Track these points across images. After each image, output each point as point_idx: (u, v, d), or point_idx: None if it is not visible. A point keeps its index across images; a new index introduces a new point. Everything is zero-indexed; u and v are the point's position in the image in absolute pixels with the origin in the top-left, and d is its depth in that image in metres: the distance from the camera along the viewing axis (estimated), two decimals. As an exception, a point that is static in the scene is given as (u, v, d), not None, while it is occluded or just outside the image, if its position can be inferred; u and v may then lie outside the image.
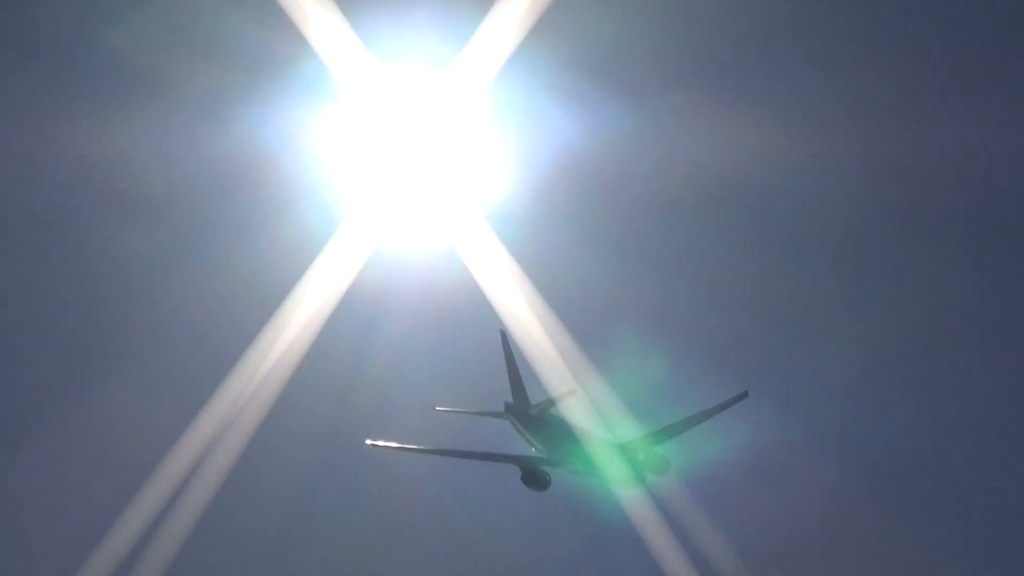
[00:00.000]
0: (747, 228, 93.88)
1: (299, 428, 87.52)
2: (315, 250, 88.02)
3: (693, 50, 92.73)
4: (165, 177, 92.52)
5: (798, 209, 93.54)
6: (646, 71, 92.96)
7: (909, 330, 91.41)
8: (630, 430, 79.55)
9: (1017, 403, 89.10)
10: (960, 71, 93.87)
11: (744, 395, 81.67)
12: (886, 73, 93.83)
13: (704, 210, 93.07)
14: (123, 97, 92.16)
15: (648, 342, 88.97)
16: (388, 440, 76.90)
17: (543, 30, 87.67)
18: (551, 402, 76.55)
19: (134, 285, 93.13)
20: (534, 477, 76.47)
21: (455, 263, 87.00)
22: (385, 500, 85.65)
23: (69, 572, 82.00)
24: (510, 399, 77.52)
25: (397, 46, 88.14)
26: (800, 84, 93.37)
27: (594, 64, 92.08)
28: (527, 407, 76.44)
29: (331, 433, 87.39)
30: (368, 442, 77.47)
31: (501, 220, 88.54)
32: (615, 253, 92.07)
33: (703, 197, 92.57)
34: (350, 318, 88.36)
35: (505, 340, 76.93)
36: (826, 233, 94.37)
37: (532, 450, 78.15)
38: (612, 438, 78.45)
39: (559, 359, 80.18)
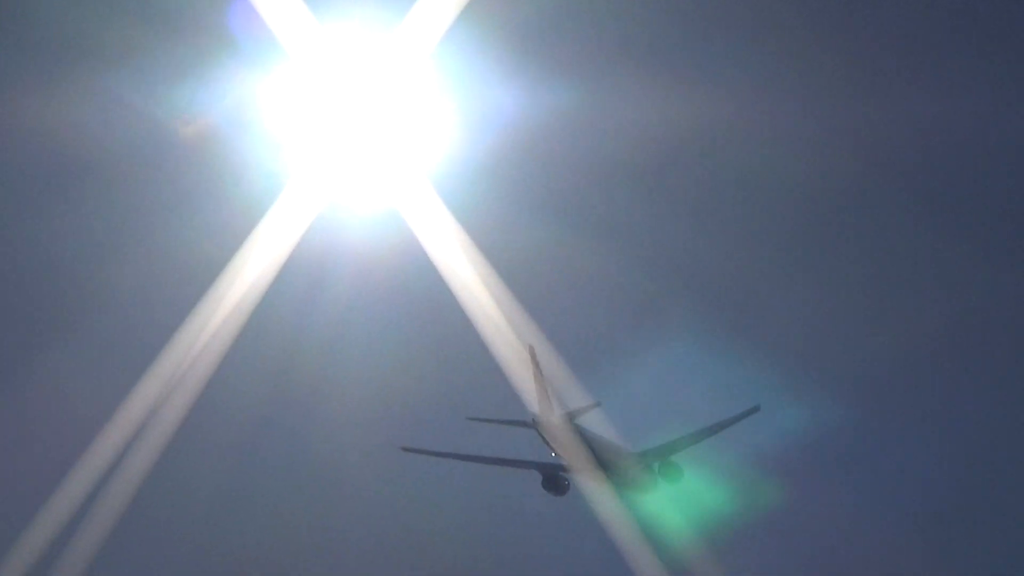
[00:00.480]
0: (688, 195, 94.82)
1: (240, 394, 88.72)
2: (256, 216, 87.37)
3: (643, 18, 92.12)
4: (103, 143, 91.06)
5: (749, 178, 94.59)
6: (596, 37, 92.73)
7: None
8: (646, 441, 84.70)
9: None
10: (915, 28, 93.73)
11: (755, 409, 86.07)
12: (839, 42, 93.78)
13: (650, 180, 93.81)
14: (60, 64, 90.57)
15: (593, 310, 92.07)
16: (421, 446, 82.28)
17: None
18: (575, 413, 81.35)
19: (76, 252, 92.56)
20: (555, 482, 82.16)
21: (400, 228, 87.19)
22: (326, 471, 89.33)
23: (8, 539, 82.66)
24: (536, 410, 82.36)
25: (340, 7, 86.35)
26: (750, 52, 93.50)
27: (542, 29, 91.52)
28: (553, 418, 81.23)
29: (272, 401, 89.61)
30: (402, 448, 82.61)
31: (447, 185, 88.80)
32: (562, 219, 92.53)
33: (651, 166, 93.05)
34: (292, 284, 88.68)
35: (534, 355, 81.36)
36: (779, 200, 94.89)
37: (552, 455, 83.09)
38: (630, 447, 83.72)
39: (503, 320, 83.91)
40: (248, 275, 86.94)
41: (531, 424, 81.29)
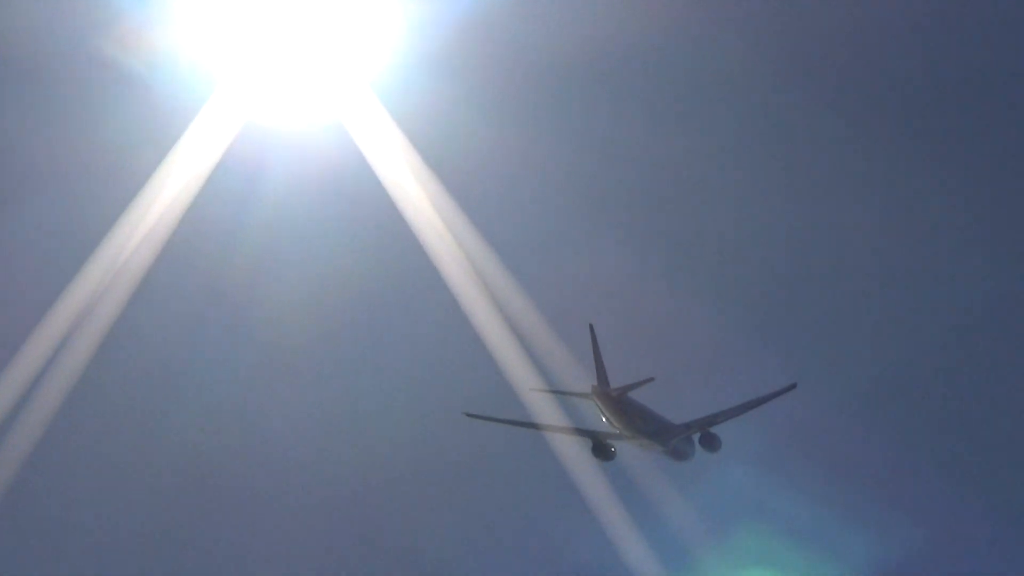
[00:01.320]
0: (644, 96, 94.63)
1: (166, 305, 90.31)
2: (184, 122, 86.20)
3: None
4: (23, 47, 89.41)
5: (720, 79, 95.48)
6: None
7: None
8: (689, 413, 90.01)
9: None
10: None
11: (792, 386, 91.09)
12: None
13: (602, 78, 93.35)
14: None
15: (539, 210, 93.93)
16: (484, 413, 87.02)
17: None
18: (629, 387, 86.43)
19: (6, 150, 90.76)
20: (603, 449, 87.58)
21: (340, 136, 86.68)
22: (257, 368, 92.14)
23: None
24: (595, 382, 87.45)
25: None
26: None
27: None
28: (609, 391, 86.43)
29: (200, 310, 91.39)
30: (465, 414, 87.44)
31: (389, 91, 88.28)
32: (511, 125, 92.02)
33: (601, 65, 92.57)
34: (219, 197, 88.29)
35: (593, 332, 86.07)
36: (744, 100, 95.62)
37: (603, 419, 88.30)
38: (674, 419, 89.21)
39: (447, 233, 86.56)
40: (179, 181, 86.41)
41: (590, 395, 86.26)
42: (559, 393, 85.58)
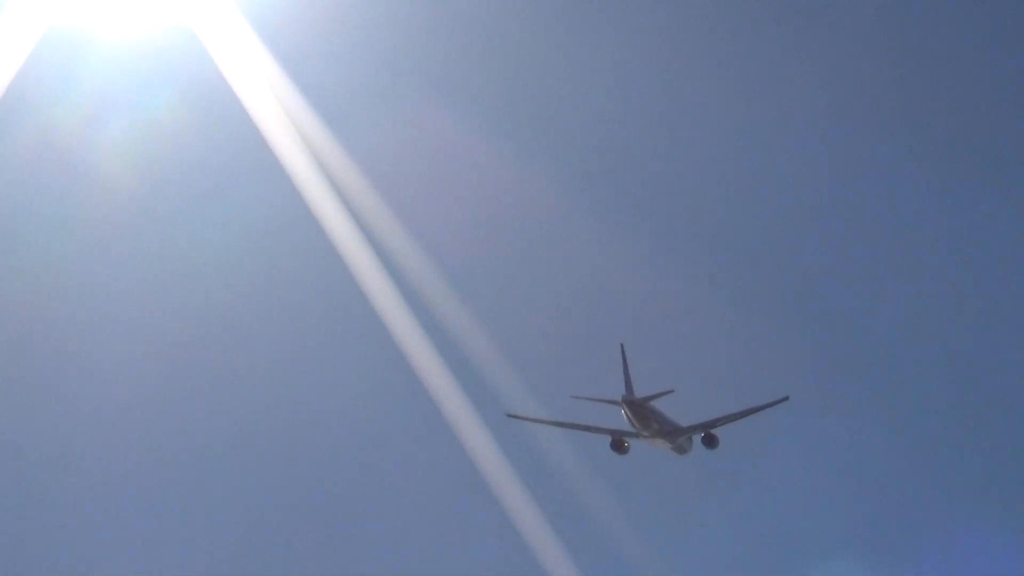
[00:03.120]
0: None
1: None
2: None
3: None
4: None
5: None
6: None
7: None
8: (694, 418, 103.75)
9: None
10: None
11: (784, 399, 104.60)
12: None
13: None
14: None
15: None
16: (526, 414, 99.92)
17: None
18: (653, 397, 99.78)
19: None
20: (619, 444, 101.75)
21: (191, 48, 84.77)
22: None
23: None
24: (624, 391, 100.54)
25: None
26: None
27: None
28: (634, 399, 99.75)
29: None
30: (507, 415, 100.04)
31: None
32: (388, 35, 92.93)
33: None
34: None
35: (623, 350, 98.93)
36: None
37: (624, 419, 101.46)
38: (681, 422, 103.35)
39: (305, 154, 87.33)
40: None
41: (619, 403, 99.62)
42: (596, 400, 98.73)
